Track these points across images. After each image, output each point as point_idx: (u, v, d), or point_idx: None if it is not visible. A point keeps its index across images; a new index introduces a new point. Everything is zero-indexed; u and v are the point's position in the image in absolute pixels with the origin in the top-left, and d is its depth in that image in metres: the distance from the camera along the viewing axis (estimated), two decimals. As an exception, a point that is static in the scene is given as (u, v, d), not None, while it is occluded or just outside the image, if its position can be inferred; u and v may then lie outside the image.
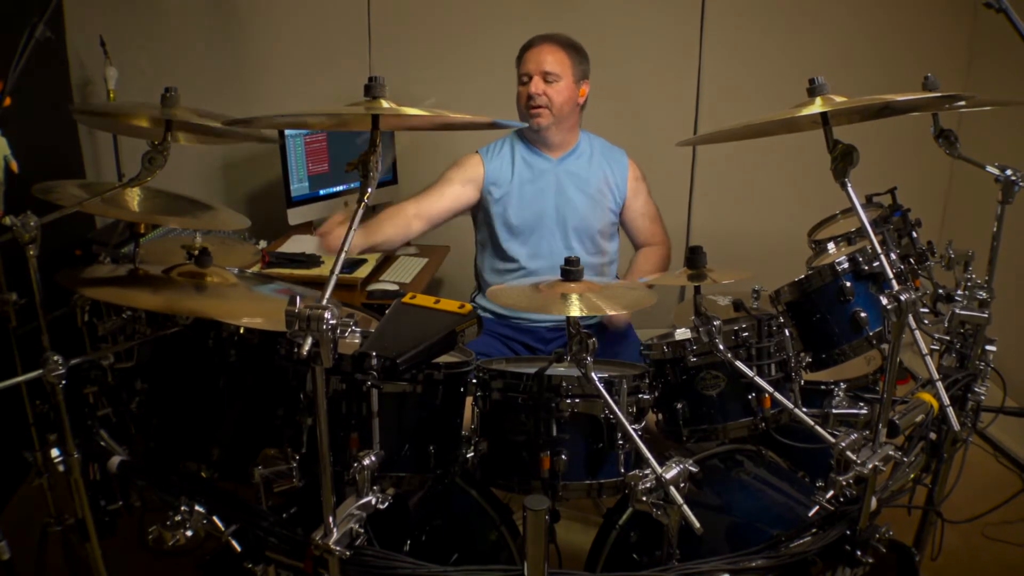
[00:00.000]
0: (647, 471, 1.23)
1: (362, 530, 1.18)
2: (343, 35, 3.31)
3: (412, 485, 1.50)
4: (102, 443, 1.53)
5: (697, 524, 1.18)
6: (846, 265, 1.62)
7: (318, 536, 1.14)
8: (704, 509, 1.47)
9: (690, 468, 1.24)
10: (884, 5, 3.33)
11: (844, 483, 1.26)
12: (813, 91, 1.35)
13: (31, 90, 1.70)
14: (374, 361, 1.25)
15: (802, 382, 1.63)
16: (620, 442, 1.41)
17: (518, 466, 1.43)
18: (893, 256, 1.75)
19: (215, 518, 1.33)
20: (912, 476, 1.61)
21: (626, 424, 1.30)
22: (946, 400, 1.35)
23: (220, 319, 1.44)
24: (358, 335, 1.33)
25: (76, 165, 3.08)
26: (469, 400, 1.50)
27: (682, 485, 1.22)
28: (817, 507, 1.33)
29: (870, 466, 1.24)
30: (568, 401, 1.40)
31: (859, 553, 1.28)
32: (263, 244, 2.99)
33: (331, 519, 1.14)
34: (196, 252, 1.53)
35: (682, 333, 1.59)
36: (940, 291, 1.82)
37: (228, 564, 1.33)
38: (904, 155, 3.09)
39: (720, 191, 3.52)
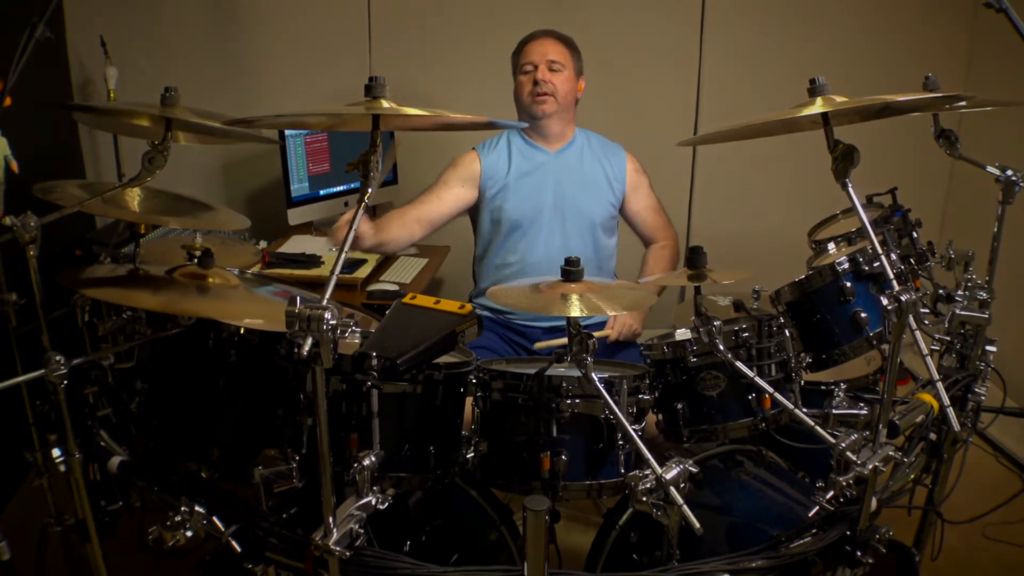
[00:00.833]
0: (647, 471, 1.23)
1: (362, 530, 1.18)
2: (343, 35, 3.31)
3: (412, 485, 1.50)
4: (102, 443, 1.53)
5: (697, 524, 1.18)
6: (846, 265, 1.62)
7: (318, 536, 1.14)
8: (704, 509, 1.47)
9: (690, 468, 1.24)
10: (884, 5, 3.33)
11: (844, 483, 1.26)
12: (814, 91, 1.35)
13: (31, 90, 1.70)
14: (374, 361, 1.25)
15: (802, 382, 1.63)
16: (620, 442, 1.41)
17: (518, 466, 1.43)
18: (893, 256, 1.75)
19: (215, 518, 1.33)
20: (912, 476, 1.61)
21: (626, 424, 1.30)
22: (946, 400, 1.35)
23: (220, 319, 1.44)
24: (358, 335, 1.33)
25: (76, 165, 3.08)
26: (469, 400, 1.50)
27: (682, 485, 1.22)
28: (817, 507, 1.33)
29: (870, 466, 1.24)
30: (568, 401, 1.40)
31: (859, 553, 1.28)
32: (263, 244, 2.99)
33: (331, 519, 1.14)
34: (197, 253, 1.53)
35: (682, 333, 1.59)
36: (940, 291, 1.82)
37: (228, 564, 1.33)
38: (904, 155, 3.09)
39: (720, 191, 3.52)
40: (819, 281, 1.64)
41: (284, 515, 1.43)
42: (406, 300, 1.38)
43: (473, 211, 2.42)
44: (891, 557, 1.42)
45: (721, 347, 1.47)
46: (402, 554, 1.28)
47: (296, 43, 3.29)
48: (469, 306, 1.33)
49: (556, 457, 1.40)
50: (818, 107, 1.30)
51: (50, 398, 1.40)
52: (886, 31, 3.34)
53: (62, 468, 1.46)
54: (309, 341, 1.04)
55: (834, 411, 1.58)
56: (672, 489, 1.21)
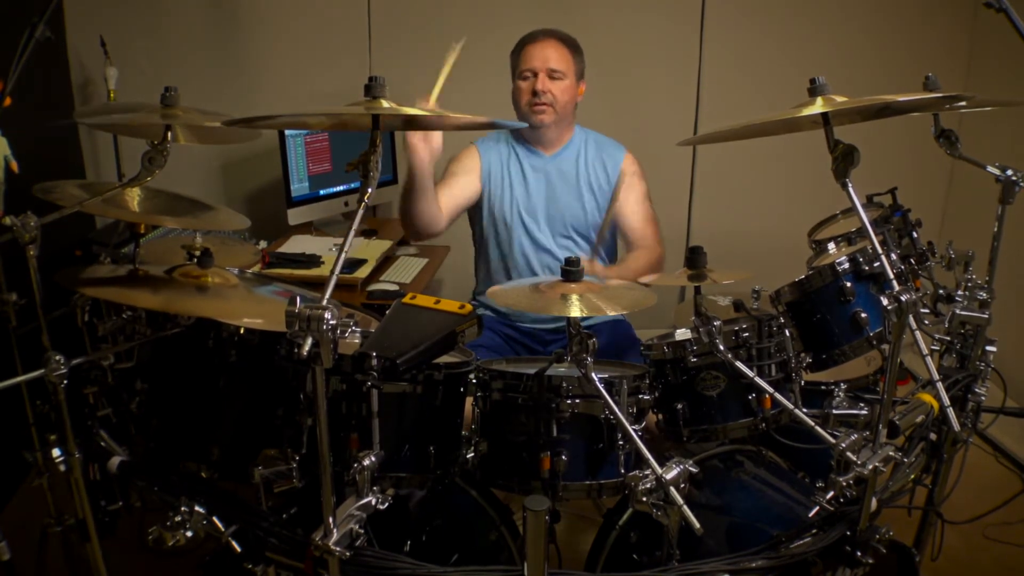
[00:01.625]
0: (647, 471, 1.23)
1: (362, 530, 1.18)
2: (343, 35, 3.31)
3: (412, 485, 1.50)
4: (102, 443, 1.53)
5: (697, 524, 1.18)
6: (846, 265, 1.62)
7: (318, 536, 1.14)
8: (704, 509, 1.47)
9: (690, 468, 1.24)
10: (884, 5, 3.33)
11: (844, 484, 1.26)
12: (814, 91, 1.35)
13: (31, 90, 1.70)
14: (374, 361, 1.25)
15: (802, 382, 1.63)
16: (620, 442, 1.41)
17: (518, 466, 1.43)
18: (893, 256, 1.75)
19: (215, 518, 1.33)
20: (912, 477, 1.61)
21: (626, 424, 1.30)
22: (946, 401, 1.35)
23: (220, 319, 1.44)
24: (358, 335, 1.33)
25: (76, 165, 3.08)
26: (469, 400, 1.50)
27: (682, 486, 1.22)
28: (817, 508, 1.33)
29: (870, 467, 1.24)
30: (568, 401, 1.40)
31: (859, 554, 1.28)
32: (263, 244, 2.99)
33: (331, 519, 1.14)
34: (197, 252, 1.52)
35: (682, 333, 1.59)
36: (940, 291, 1.82)
37: (228, 564, 1.33)
38: (904, 155, 3.09)
39: (720, 191, 3.52)
40: (819, 281, 1.64)
41: (284, 515, 1.43)
42: (406, 300, 1.38)
43: (472, 209, 2.42)
44: (891, 557, 1.42)
45: (721, 347, 1.47)
46: (402, 554, 1.28)
47: (296, 43, 3.29)
48: (469, 306, 1.33)
49: (556, 457, 1.40)
50: (818, 107, 1.30)
51: (50, 398, 1.40)
52: (886, 31, 3.34)
53: (62, 468, 1.45)
54: (309, 341, 1.04)
55: (834, 411, 1.58)
56: (672, 489, 1.21)
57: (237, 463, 1.42)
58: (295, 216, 3.04)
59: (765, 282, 1.81)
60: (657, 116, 3.37)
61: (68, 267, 1.52)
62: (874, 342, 1.62)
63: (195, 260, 1.52)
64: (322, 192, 3.14)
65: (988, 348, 1.71)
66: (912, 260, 1.87)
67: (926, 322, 1.79)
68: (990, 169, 1.69)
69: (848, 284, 1.61)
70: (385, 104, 1.24)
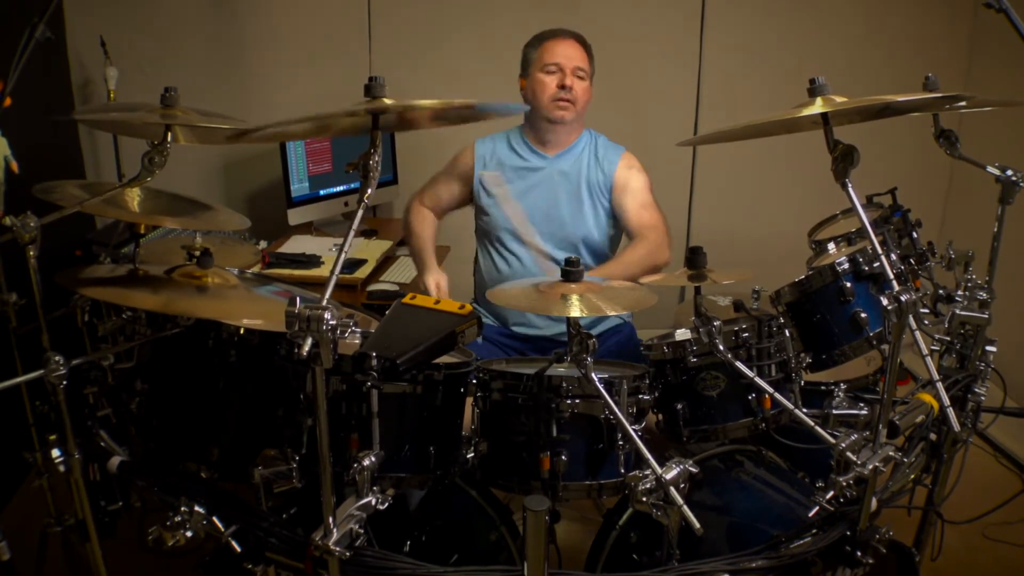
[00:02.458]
0: (647, 472, 1.23)
1: (362, 531, 1.18)
2: (343, 34, 3.31)
3: (412, 485, 1.50)
4: (102, 443, 1.53)
5: (697, 524, 1.18)
6: (846, 266, 1.62)
7: (318, 537, 1.14)
8: (704, 509, 1.47)
9: (690, 469, 1.24)
10: (884, 5, 3.33)
11: (844, 484, 1.26)
12: (814, 91, 1.35)
13: (31, 90, 1.70)
14: (374, 362, 1.25)
15: (802, 383, 1.63)
16: (620, 442, 1.41)
17: (518, 466, 1.43)
18: (893, 257, 1.75)
19: (215, 518, 1.33)
20: (912, 477, 1.61)
21: (626, 424, 1.30)
22: (946, 401, 1.35)
23: (220, 319, 1.44)
24: (358, 335, 1.33)
25: (76, 165, 3.08)
26: (469, 401, 1.50)
27: (682, 486, 1.22)
28: (817, 508, 1.33)
29: (870, 467, 1.24)
30: (568, 402, 1.40)
31: (859, 554, 1.28)
32: (263, 244, 2.99)
33: (331, 520, 1.14)
34: (197, 253, 1.53)
35: (682, 333, 1.59)
36: (940, 292, 1.82)
37: (228, 565, 1.33)
38: (904, 155, 3.09)
39: (720, 191, 3.52)
40: (819, 281, 1.64)
41: (284, 515, 1.43)
42: (406, 300, 1.38)
43: (476, 211, 2.41)
44: (891, 557, 1.42)
45: (721, 347, 1.47)
46: (402, 554, 1.28)
47: (296, 43, 3.29)
48: (469, 306, 1.33)
49: (556, 457, 1.40)
50: (818, 107, 1.30)
51: (50, 398, 1.40)
52: (886, 31, 3.34)
53: (62, 468, 1.45)
54: (309, 341, 1.04)
55: (834, 411, 1.58)
56: (672, 489, 1.21)
57: (237, 463, 1.42)
58: (295, 216, 3.04)
59: (765, 282, 1.81)
60: (657, 116, 3.37)
61: (68, 267, 1.53)
62: (874, 342, 1.62)
63: (195, 260, 1.52)
64: (322, 192, 3.14)
65: (988, 348, 1.71)
66: (912, 260, 1.87)
67: (926, 322, 1.79)
68: (990, 169, 1.69)
69: (848, 284, 1.61)
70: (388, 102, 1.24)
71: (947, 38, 3.38)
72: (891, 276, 1.22)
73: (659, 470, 1.22)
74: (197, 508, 1.32)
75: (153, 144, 1.38)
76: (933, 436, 1.62)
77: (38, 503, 1.65)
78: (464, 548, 1.57)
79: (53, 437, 1.46)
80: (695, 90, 3.40)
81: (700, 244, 1.56)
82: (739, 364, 1.46)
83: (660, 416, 1.62)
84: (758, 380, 1.46)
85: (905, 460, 1.50)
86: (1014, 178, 1.68)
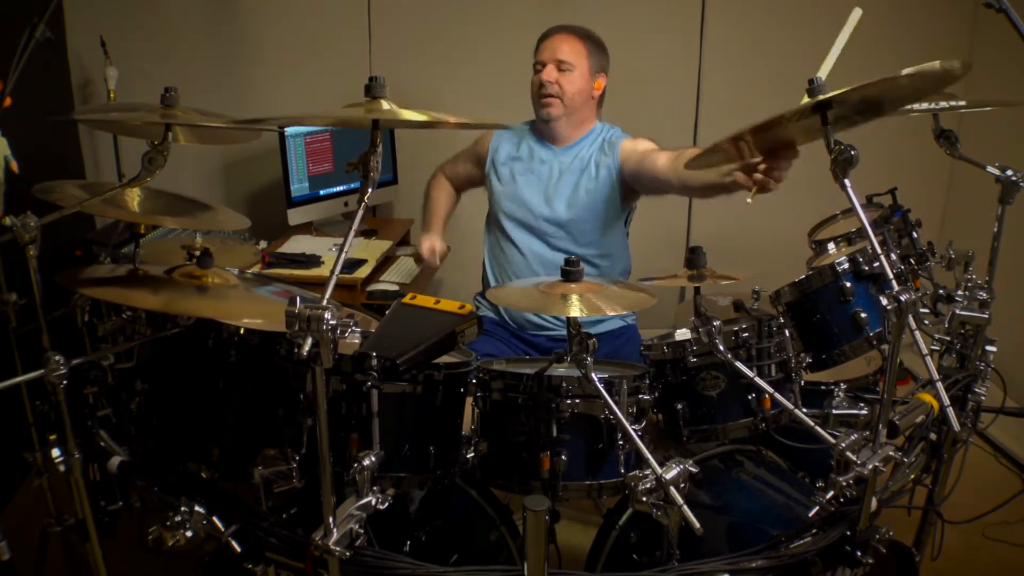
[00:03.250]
0: (647, 471, 1.23)
1: (362, 530, 1.18)
2: (343, 34, 3.31)
3: (412, 485, 1.50)
4: (102, 443, 1.53)
5: (697, 524, 1.18)
6: (846, 266, 1.62)
7: (318, 536, 1.14)
8: (704, 509, 1.47)
9: (690, 468, 1.24)
10: (884, 5, 3.33)
11: (844, 484, 1.26)
12: (813, 91, 1.35)
13: (31, 90, 1.70)
14: (374, 361, 1.25)
15: (802, 382, 1.63)
16: (620, 442, 1.41)
17: (518, 466, 1.43)
18: (893, 256, 1.75)
19: (215, 518, 1.33)
20: (912, 476, 1.61)
21: (626, 424, 1.30)
22: (946, 401, 1.35)
23: (220, 319, 1.44)
24: (358, 335, 1.33)
25: (76, 165, 3.08)
26: (469, 400, 1.50)
27: (682, 485, 1.22)
28: (817, 507, 1.33)
29: (870, 467, 1.24)
30: (568, 401, 1.40)
31: (859, 553, 1.28)
32: (263, 244, 2.99)
33: (331, 519, 1.14)
34: (197, 253, 1.53)
35: (682, 333, 1.59)
36: (940, 291, 1.82)
37: (228, 565, 1.33)
38: (904, 155, 3.09)
39: (720, 191, 3.52)
40: (819, 281, 1.64)
41: (284, 515, 1.43)
42: (406, 300, 1.38)
43: (489, 198, 2.42)
44: (891, 557, 1.42)
45: (721, 347, 1.47)
46: (402, 554, 1.28)
47: (296, 43, 3.30)
48: (469, 306, 1.33)
49: (556, 457, 1.39)
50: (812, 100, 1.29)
51: (50, 398, 1.40)
52: (886, 31, 3.34)
53: (62, 468, 1.45)
54: (309, 341, 1.04)
55: (834, 411, 1.58)
56: (672, 489, 1.21)
57: (237, 463, 1.42)
58: (295, 216, 3.04)
59: (765, 282, 1.81)
60: (657, 116, 3.36)
61: (68, 267, 1.52)
62: (874, 342, 1.62)
63: (195, 260, 1.52)
64: (322, 192, 3.14)
65: (988, 348, 1.71)
66: (912, 260, 1.87)
67: (926, 322, 1.79)
68: (990, 169, 1.69)
69: (848, 284, 1.61)
70: (385, 105, 1.24)
71: (947, 38, 3.38)
72: (891, 276, 1.22)
73: (659, 470, 1.22)
74: (197, 508, 1.32)
75: (153, 144, 1.38)
76: (933, 436, 1.62)
77: (38, 503, 1.65)
78: (464, 548, 1.57)
79: (53, 437, 1.46)
80: (695, 90, 3.40)
81: (700, 244, 1.56)
82: (739, 364, 1.46)
83: (660, 416, 1.62)
84: (758, 380, 1.46)
85: (905, 460, 1.50)
86: (1014, 178, 1.68)
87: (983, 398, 1.72)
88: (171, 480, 1.41)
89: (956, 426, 1.43)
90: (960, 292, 1.74)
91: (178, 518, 1.32)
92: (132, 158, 3.10)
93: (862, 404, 1.59)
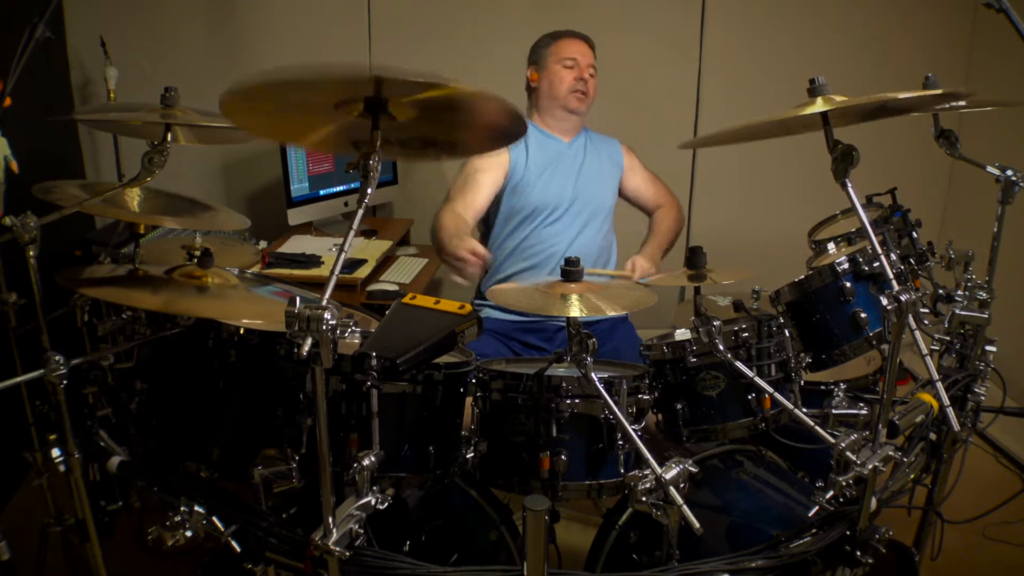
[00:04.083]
0: (647, 471, 1.23)
1: (362, 530, 1.18)
2: (343, 33, 3.31)
3: (412, 485, 1.50)
4: (102, 443, 1.53)
5: (697, 524, 1.18)
6: (846, 265, 1.62)
7: (318, 536, 1.14)
8: (704, 509, 1.47)
9: (690, 468, 1.24)
10: (884, 5, 3.34)
11: (844, 483, 1.26)
12: (814, 91, 1.35)
13: (31, 90, 1.70)
14: (374, 361, 1.25)
15: (802, 382, 1.63)
16: (620, 442, 1.41)
17: (518, 466, 1.43)
18: (893, 256, 1.75)
19: (215, 518, 1.33)
20: (912, 476, 1.61)
21: (626, 424, 1.30)
22: (946, 400, 1.35)
23: (220, 319, 1.44)
24: (358, 335, 1.33)
25: (76, 165, 3.08)
26: (469, 400, 1.50)
27: (682, 485, 1.22)
28: (817, 507, 1.33)
29: (870, 466, 1.24)
30: (568, 401, 1.40)
31: (859, 553, 1.28)
32: (263, 244, 2.99)
33: (331, 519, 1.14)
34: (197, 253, 1.53)
35: (682, 333, 1.59)
36: (940, 291, 1.82)
37: (228, 565, 1.33)
38: (904, 155, 3.08)
39: (720, 191, 3.52)
40: (819, 281, 1.64)
41: (284, 515, 1.43)
42: (406, 300, 1.38)
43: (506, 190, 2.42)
44: (891, 557, 1.42)
45: (721, 347, 1.47)
46: (402, 554, 1.28)
47: (296, 42, 3.29)
48: (469, 306, 1.33)
49: (556, 457, 1.40)
50: (818, 107, 1.30)
51: (50, 398, 1.40)
52: (886, 31, 3.34)
53: (62, 468, 1.46)
54: (309, 341, 1.04)
55: (834, 411, 1.58)
56: (672, 489, 1.21)
57: (237, 463, 1.42)
58: (295, 216, 3.04)
59: (765, 282, 1.81)
60: (657, 116, 3.37)
61: (68, 267, 1.52)
62: (874, 342, 1.62)
63: (195, 260, 1.52)
64: (322, 192, 3.14)
65: (988, 348, 1.71)
66: (912, 260, 1.87)
67: (926, 322, 1.79)
68: (990, 169, 1.69)
69: (848, 284, 1.61)
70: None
71: (947, 38, 3.38)
72: (891, 276, 1.22)
73: (659, 470, 1.22)
74: (197, 508, 1.32)
75: (153, 144, 1.38)
76: (933, 436, 1.63)
77: (38, 503, 1.65)
78: (464, 548, 1.57)
79: (53, 437, 1.46)
80: (695, 90, 3.40)
81: (700, 244, 1.56)
82: (739, 364, 1.46)
83: (660, 416, 1.62)
84: (758, 380, 1.46)
85: (905, 460, 1.50)
86: (1014, 178, 1.68)
87: (983, 398, 1.72)
88: (171, 480, 1.40)
89: (956, 426, 1.43)
90: (960, 292, 1.74)
91: (178, 518, 1.32)
92: (132, 158, 3.10)
93: (862, 404, 1.59)
